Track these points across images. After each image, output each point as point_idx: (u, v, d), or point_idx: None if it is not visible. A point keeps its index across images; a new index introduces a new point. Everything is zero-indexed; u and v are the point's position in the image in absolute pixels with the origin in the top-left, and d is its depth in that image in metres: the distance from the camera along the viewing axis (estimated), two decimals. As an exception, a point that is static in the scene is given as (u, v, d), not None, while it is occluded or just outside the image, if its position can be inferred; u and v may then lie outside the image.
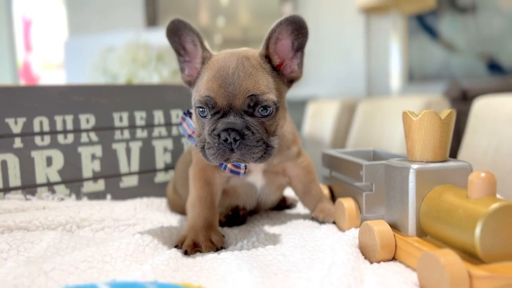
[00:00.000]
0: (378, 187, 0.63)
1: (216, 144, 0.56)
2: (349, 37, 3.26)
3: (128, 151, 0.83)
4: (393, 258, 0.52)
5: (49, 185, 0.76)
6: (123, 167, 0.82)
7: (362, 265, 0.50)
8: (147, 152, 0.85)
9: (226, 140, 0.55)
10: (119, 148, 0.82)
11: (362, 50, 3.24)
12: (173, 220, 0.72)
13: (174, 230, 0.66)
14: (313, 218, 0.71)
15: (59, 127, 0.76)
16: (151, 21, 3.61)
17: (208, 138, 0.57)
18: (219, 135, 0.55)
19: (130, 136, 0.83)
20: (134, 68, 1.55)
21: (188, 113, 0.68)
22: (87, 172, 0.79)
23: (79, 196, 0.78)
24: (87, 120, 0.79)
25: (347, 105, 2.15)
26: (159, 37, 1.69)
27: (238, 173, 0.63)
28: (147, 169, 0.85)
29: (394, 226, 0.53)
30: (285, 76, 0.63)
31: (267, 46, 0.61)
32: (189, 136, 0.67)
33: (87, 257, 0.54)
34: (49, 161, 0.76)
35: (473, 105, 1.07)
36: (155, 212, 0.74)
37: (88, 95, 0.79)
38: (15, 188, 0.73)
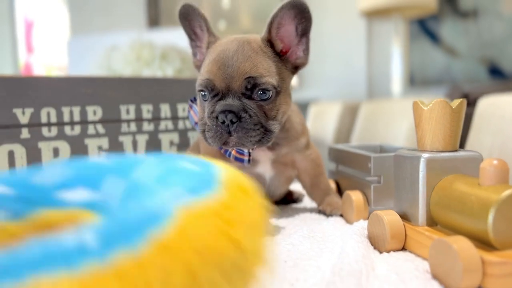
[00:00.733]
0: (386, 179, 0.63)
1: (214, 127, 0.56)
2: (351, 41, 3.28)
3: (134, 143, 0.83)
4: (402, 248, 0.52)
5: (56, 176, 0.75)
6: (129, 160, 0.82)
7: (372, 254, 0.50)
8: (153, 145, 0.85)
9: (223, 122, 0.55)
10: (126, 140, 0.82)
11: (364, 53, 3.25)
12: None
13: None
14: (320, 211, 0.71)
15: (66, 118, 0.76)
16: (153, 22, 3.62)
17: (208, 121, 0.57)
18: (217, 117, 0.56)
19: (136, 129, 0.83)
20: (138, 66, 1.56)
21: (195, 100, 0.68)
22: (93, 164, 0.79)
23: (85, 188, 0.78)
24: (94, 112, 0.79)
25: (349, 107, 2.16)
26: (161, 38, 1.70)
27: (242, 160, 0.63)
28: (153, 162, 0.85)
29: (403, 216, 0.53)
30: (289, 62, 0.63)
31: (269, 31, 0.61)
32: (196, 123, 0.67)
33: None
34: (55, 152, 0.76)
35: (477, 104, 1.08)
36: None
37: (95, 87, 0.79)
38: (22, 179, 0.72)
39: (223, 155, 0.65)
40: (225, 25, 3.67)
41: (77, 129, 0.77)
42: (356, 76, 3.27)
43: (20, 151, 0.72)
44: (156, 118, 0.85)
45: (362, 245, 0.50)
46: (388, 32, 3.13)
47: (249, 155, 0.62)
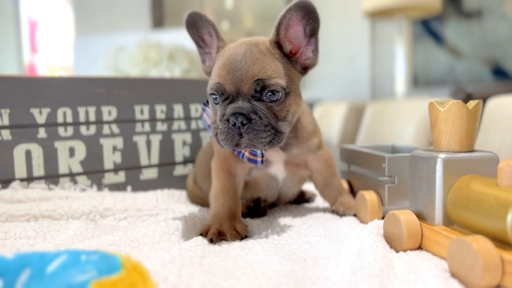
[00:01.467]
0: (400, 179, 0.64)
1: (226, 129, 0.57)
2: (354, 41, 3.28)
3: (148, 143, 0.84)
4: (419, 248, 0.53)
5: (71, 176, 0.76)
6: (143, 160, 0.83)
7: (390, 253, 0.51)
8: (167, 145, 0.86)
9: (234, 124, 0.56)
10: (140, 140, 0.83)
11: (367, 54, 3.26)
12: (195, 210, 0.73)
13: (197, 220, 0.67)
14: (333, 211, 0.72)
15: (82, 118, 0.77)
16: (158, 22, 3.63)
17: (220, 124, 0.58)
18: (228, 120, 0.57)
19: (150, 129, 0.84)
20: (146, 67, 1.56)
21: (208, 104, 0.69)
22: (108, 164, 0.80)
23: (100, 187, 0.79)
24: (109, 112, 0.80)
25: (354, 107, 2.16)
26: (167, 38, 1.71)
27: (255, 162, 0.63)
28: (166, 162, 0.86)
29: (419, 216, 0.54)
30: (298, 63, 0.63)
31: (277, 33, 0.61)
32: (209, 126, 0.68)
33: (115, 241, 0.54)
34: (71, 152, 0.76)
35: (485, 105, 1.08)
36: (176, 203, 0.75)
37: (110, 87, 0.80)
38: (39, 178, 0.74)
39: (237, 157, 0.65)
40: (228, 26, 3.68)
41: (93, 129, 0.78)
42: (359, 77, 3.28)
43: (37, 151, 0.73)
44: (169, 118, 0.86)
45: (381, 244, 0.51)
46: (392, 33, 3.13)
47: (262, 156, 0.63)
